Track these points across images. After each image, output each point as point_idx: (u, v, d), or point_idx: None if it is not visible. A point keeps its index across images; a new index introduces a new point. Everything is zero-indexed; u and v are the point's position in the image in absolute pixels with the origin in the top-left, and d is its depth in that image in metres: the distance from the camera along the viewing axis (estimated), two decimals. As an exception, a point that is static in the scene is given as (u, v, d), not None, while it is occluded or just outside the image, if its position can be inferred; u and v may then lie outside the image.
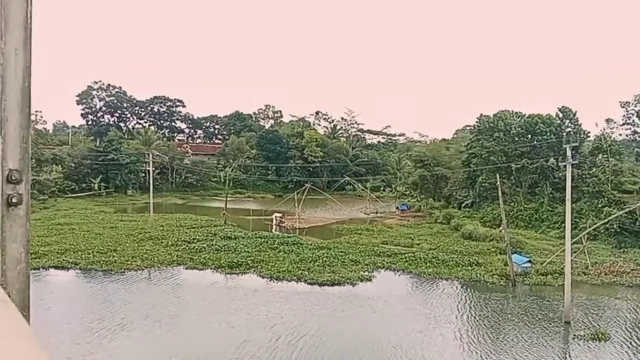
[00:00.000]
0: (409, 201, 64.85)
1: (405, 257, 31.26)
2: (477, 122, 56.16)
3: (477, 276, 27.45)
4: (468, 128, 69.20)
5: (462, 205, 52.39)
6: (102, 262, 28.28)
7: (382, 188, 78.53)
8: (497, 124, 50.41)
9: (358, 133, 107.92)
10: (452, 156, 62.25)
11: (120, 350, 17.16)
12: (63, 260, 28.32)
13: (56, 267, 27.36)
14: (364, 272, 27.87)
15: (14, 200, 1.83)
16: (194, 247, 32.83)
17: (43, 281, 25.05)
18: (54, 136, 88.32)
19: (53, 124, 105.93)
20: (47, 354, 0.38)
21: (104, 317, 20.01)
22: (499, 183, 29.94)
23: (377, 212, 58.92)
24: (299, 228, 44.58)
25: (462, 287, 26.28)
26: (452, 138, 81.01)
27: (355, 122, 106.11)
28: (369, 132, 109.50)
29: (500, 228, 33.13)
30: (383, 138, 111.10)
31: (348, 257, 30.59)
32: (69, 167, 67.13)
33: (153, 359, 17.11)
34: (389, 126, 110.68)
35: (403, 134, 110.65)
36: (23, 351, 0.37)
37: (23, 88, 1.80)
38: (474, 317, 21.74)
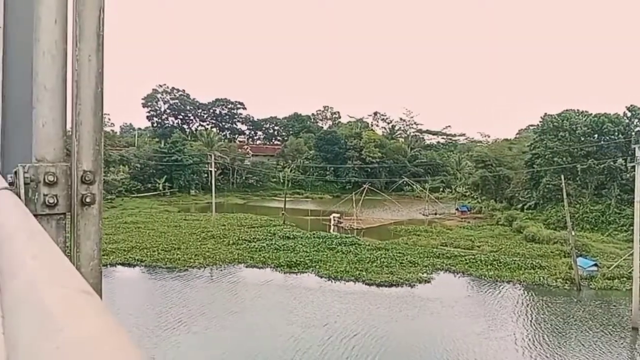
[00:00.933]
0: (469, 202, 63.22)
1: (465, 260, 30.58)
2: (540, 121, 54.24)
3: (540, 279, 26.50)
4: (532, 128, 66.70)
5: (525, 206, 50.62)
6: (166, 259, 29.36)
7: (441, 189, 76.95)
8: (561, 123, 48.44)
9: (417, 133, 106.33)
10: (515, 156, 60.29)
11: (178, 345, 17.73)
12: (129, 257, 29.62)
13: (123, 264, 28.66)
14: (422, 273, 27.51)
15: (87, 199, 1.92)
16: (254, 246, 33.45)
17: (110, 277, 26.30)
18: (121, 138, 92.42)
19: (120, 127, 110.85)
20: (139, 350, 0.41)
21: (165, 313, 20.77)
22: (563, 184, 28.79)
23: (436, 214, 57.90)
24: (357, 228, 44.47)
25: (524, 291, 25.40)
26: (515, 138, 78.29)
27: (414, 123, 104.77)
28: (428, 132, 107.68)
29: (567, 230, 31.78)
30: (442, 138, 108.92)
31: (406, 259, 30.26)
32: (135, 168, 70.12)
33: (209, 353, 17.57)
34: (449, 126, 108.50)
35: (463, 134, 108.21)
36: (118, 342, 0.41)
37: (96, 93, 1.90)
38: (536, 321, 20.97)
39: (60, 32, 1.94)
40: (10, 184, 2.08)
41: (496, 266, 29.13)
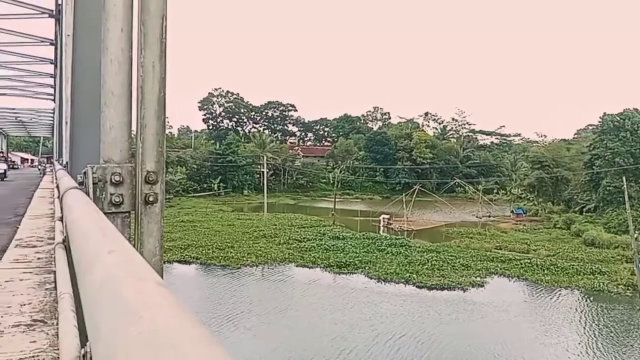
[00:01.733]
0: (524, 205, 61.18)
1: (521, 264, 29.68)
2: (600, 121, 51.94)
3: (599, 285, 25.36)
4: (590, 128, 63.87)
5: (584, 209, 48.57)
6: (220, 257, 30.06)
7: (495, 191, 74.87)
8: (622, 123, 46.24)
9: (469, 134, 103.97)
10: (573, 157, 58.01)
11: (227, 339, 18.07)
12: (186, 255, 30.50)
13: (179, 262, 29.55)
14: (475, 277, 26.89)
15: (150, 199, 2.03)
16: (304, 245, 33.69)
17: (168, 274, 27.16)
18: (178, 140, 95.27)
19: (178, 129, 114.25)
20: (213, 338, 0.43)
21: (217, 308, 21.23)
22: (625, 186, 27.43)
23: (489, 216, 56.42)
24: (407, 230, 43.95)
25: (582, 297, 24.37)
26: (573, 138, 75.33)
27: (467, 123, 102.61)
28: (481, 132, 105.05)
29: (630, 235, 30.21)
30: (496, 138, 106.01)
31: (458, 262, 29.66)
32: (191, 169, 72.12)
33: (255, 349, 17.81)
34: (503, 126, 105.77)
35: (519, 134, 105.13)
36: (193, 330, 0.43)
37: (159, 97, 2.00)
38: (594, 329, 20.06)
39: (126, 40, 2.05)
40: (80, 183, 2.23)
41: (553, 271, 28.10)
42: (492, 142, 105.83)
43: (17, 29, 21.96)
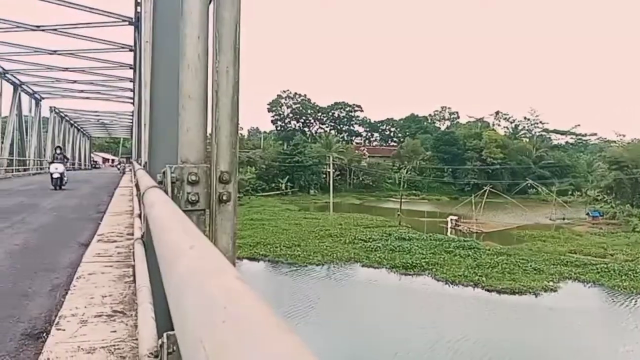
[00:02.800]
0: (601, 207, 57.73)
1: (597, 268, 28.11)
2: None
3: (684, 294, 23.54)
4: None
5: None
6: (287, 255, 30.58)
7: (569, 192, 71.17)
8: None
9: (542, 133, 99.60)
10: (656, 157, 54.08)
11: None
12: (255, 252, 31.25)
13: (249, 259, 30.31)
14: (548, 281, 25.75)
15: (224, 197, 2.13)
16: (370, 245, 33.57)
17: (238, 270, 27.85)
18: (248, 141, 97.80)
19: (248, 130, 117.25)
20: (290, 328, 0.46)
21: (283, 304, 21.56)
22: None
23: (564, 218, 53.76)
24: (477, 232, 42.73)
25: (666, 306, 22.72)
26: (656, 137, 70.07)
27: (540, 122, 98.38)
28: (555, 132, 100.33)
29: None
30: (571, 138, 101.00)
31: (530, 265, 28.51)
32: (260, 169, 73.81)
33: (315, 345, 17.91)
34: (578, 125, 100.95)
35: (595, 134, 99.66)
36: (273, 320, 0.46)
37: (233, 101, 2.09)
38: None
39: (202, 46, 2.16)
40: (159, 182, 2.36)
41: (632, 277, 26.40)
42: (566, 142, 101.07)
43: (100, 36, 23.50)
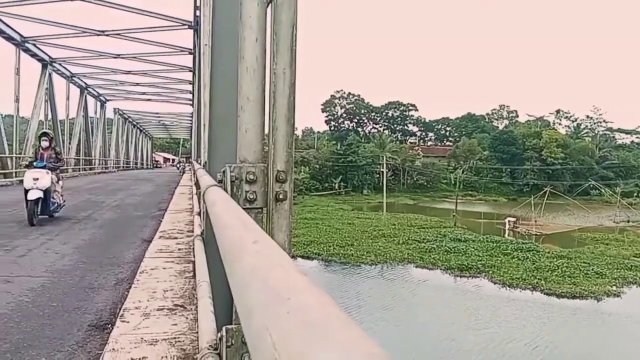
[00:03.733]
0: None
1: (665, 274, 26.55)
2: None
3: None
4: None
5: None
6: (340, 254, 30.63)
7: (635, 194, 67.30)
8: None
9: (606, 132, 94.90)
10: None
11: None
12: (308, 250, 31.50)
13: (302, 257, 30.57)
14: (611, 286, 24.55)
15: (280, 196, 2.18)
16: (424, 246, 33.11)
17: (291, 268, 28.25)
18: (302, 141, 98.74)
19: (302, 130, 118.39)
20: (353, 321, 0.47)
21: (340, 302, 21.62)
22: None
23: (629, 221, 50.98)
24: (536, 234, 41.25)
25: None
26: None
27: (603, 121, 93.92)
28: (620, 131, 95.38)
29: None
30: (637, 137, 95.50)
31: (592, 269, 27.25)
32: (314, 168, 74.32)
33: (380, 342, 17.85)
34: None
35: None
36: (335, 312, 0.48)
37: (289, 102, 2.14)
38: None
39: (260, 49, 2.22)
40: (219, 181, 2.44)
41: (703, 283, 24.84)
42: (631, 142, 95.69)
43: (161, 40, 24.40)
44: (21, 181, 20.95)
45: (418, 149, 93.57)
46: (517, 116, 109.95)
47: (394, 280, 26.35)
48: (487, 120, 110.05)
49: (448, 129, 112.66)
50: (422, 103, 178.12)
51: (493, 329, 19.01)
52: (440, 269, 28.15)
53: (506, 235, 41.32)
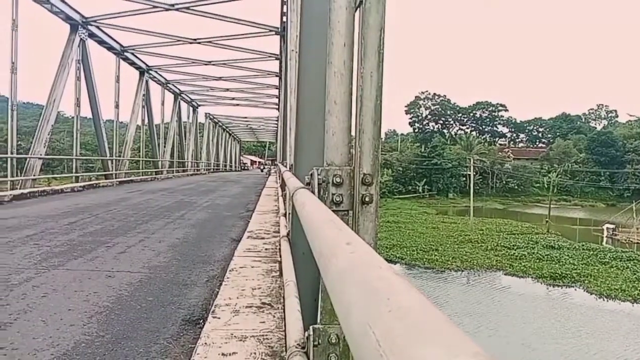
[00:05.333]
0: None
1: None
2: None
3: None
4: None
5: None
6: (424, 259, 30.03)
7: None
8: None
9: None
10: None
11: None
12: (391, 254, 31.20)
13: (385, 261, 30.24)
14: None
15: (366, 199, 2.19)
16: (514, 253, 31.68)
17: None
18: (385, 143, 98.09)
19: (385, 132, 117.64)
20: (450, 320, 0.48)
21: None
22: None
23: None
24: (637, 242, 38.05)
25: None
26: None
27: None
28: None
29: None
30: None
31: None
32: (397, 171, 73.53)
33: None
34: None
35: None
36: (434, 312, 0.49)
37: (376, 105, 2.14)
38: None
39: (348, 53, 2.25)
40: (307, 183, 2.50)
41: None
42: None
43: (249, 46, 25.26)
44: (121, 182, 22.77)
45: (508, 151, 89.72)
46: (617, 116, 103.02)
47: (481, 287, 25.43)
48: (583, 120, 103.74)
49: (541, 130, 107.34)
50: (512, 103, 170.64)
51: (585, 339, 17.83)
52: (531, 277, 26.79)
53: (604, 243, 38.58)
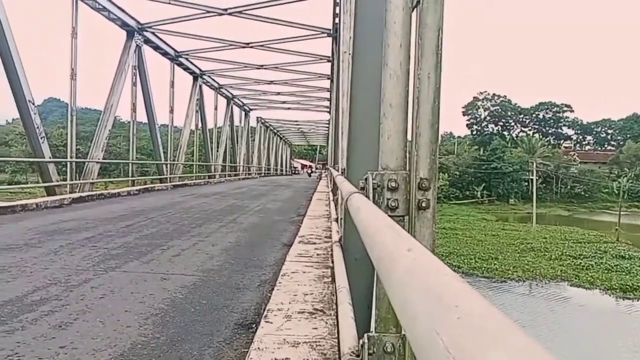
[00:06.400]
0: None
1: None
2: None
3: None
4: None
5: None
6: (483, 268, 29.12)
7: None
8: None
9: None
10: None
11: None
12: (447, 262, 30.19)
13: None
14: None
15: (423, 204, 2.11)
16: (580, 263, 30.23)
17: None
18: (441, 146, 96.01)
19: (441, 135, 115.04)
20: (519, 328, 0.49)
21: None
22: None
23: None
24: None
25: None
26: None
27: None
28: None
29: None
30: None
31: None
32: (454, 175, 71.98)
33: None
34: None
35: None
36: (502, 319, 0.50)
37: (433, 107, 2.07)
38: None
39: (404, 54, 2.18)
40: (362, 188, 2.45)
41: None
42: None
43: (300, 49, 25.40)
44: (175, 186, 23.40)
45: (574, 154, 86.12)
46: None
47: (543, 299, 24.37)
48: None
49: (610, 131, 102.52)
50: (578, 103, 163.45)
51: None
52: (599, 289, 25.45)
53: (682, 254, 36.07)
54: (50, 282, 5.24)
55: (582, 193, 73.12)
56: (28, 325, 3.91)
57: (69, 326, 3.91)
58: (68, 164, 16.39)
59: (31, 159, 17.52)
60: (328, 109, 36.05)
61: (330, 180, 16.80)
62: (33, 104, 14.06)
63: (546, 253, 33.32)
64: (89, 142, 22.17)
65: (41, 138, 14.42)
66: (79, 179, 17.57)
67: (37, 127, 14.27)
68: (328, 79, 28.43)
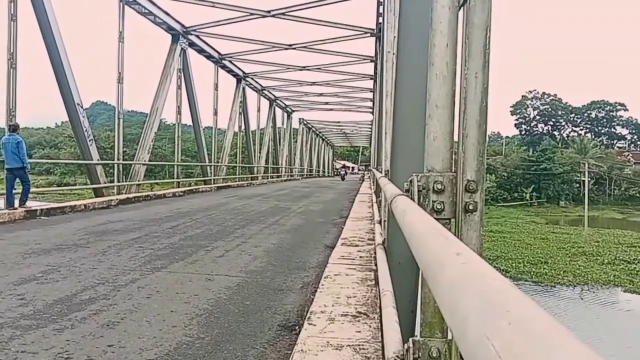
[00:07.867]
0: None
1: None
2: None
3: None
4: None
5: None
6: (532, 272, 28.26)
7: None
8: None
9: None
10: None
11: None
12: (495, 266, 29.33)
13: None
14: None
15: (470, 207, 2.06)
16: (635, 268, 28.91)
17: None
18: (488, 147, 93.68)
19: (488, 135, 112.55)
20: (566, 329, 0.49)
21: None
22: None
23: None
24: None
25: None
26: None
27: None
28: None
29: None
30: None
31: None
32: (501, 177, 70.19)
33: None
34: None
35: None
36: (554, 324, 0.50)
37: (481, 107, 2.02)
38: None
39: (450, 54, 2.14)
40: (406, 190, 2.41)
41: None
42: None
43: (343, 50, 25.29)
44: (219, 187, 23.70)
45: (628, 155, 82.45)
46: None
47: (595, 305, 23.42)
48: None
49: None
50: (633, 102, 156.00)
51: None
52: (656, 295, 24.25)
53: None
54: (99, 282, 5.39)
55: (637, 195, 69.95)
56: (77, 323, 4.04)
57: (117, 325, 4.02)
58: (115, 165, 16.83)
59: (80, 161, 18.02)
60: (371, 110, 35.80)
61: (373, 182, 16.67)
62: (82, 107, 14.52)
63: (598, 257, 32.06)
64: (135, 145, 22.70)
65: (89, 140, 14.88)
66: (126, 181, 18.01)
67: (86, 130, 14.72)
68: (371, 79, 28.22)
